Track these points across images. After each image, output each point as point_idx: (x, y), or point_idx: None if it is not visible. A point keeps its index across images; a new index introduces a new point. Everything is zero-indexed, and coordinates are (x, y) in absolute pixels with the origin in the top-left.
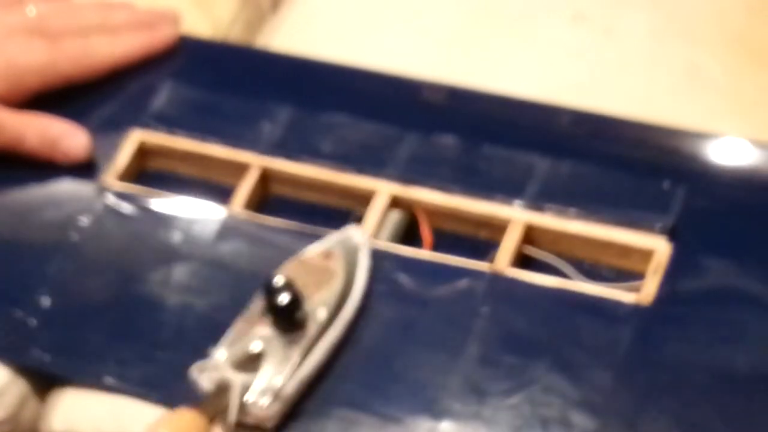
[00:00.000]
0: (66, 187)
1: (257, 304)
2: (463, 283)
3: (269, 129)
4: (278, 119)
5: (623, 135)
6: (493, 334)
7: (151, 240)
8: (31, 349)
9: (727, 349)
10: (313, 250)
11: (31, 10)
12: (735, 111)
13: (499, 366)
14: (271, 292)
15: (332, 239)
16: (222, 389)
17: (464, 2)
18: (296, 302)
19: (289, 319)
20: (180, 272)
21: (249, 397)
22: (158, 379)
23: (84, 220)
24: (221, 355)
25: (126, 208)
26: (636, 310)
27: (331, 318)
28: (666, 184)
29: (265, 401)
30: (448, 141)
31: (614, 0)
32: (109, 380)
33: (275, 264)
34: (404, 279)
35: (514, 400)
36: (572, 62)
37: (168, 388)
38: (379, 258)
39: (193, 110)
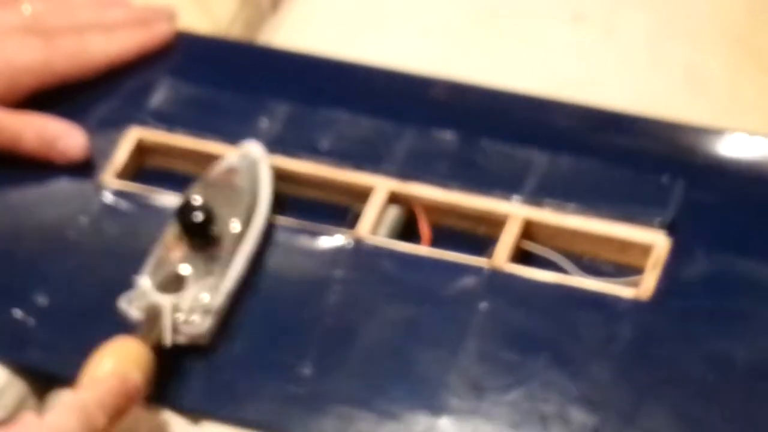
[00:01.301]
0: (64, 186)
1: (171, 228)
2: (461, 279)
3: (267, 125)
4: (276, 115)
5: (622, 129)
6: (492, 329)
7: (150, 238)
8: (29, 348)
9: (726, 344)
10: (215, 169)
11: (27, 9)
12: (734, 112)
13: (498, 362)
14: (184, 213)
15: (232, 156)
16: (153, 314)
17: (464, 2)
18: (209, 219)
19: (204, 237)
20: None
21: (179, 317)
22: (156, 376)
23: (82, 219)
24: (146, 281)
25: (124, 205)
26: (635, 304)
27: (243, 231)
28: (665, 179)
29: (196, 318)
30: (446, 136)
31: (614, 0)
32: None
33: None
34: (402, 275)
35: (513, 395)
36: (572, 62)
37: (165, 384)
38: (377, 254)
39: (191, 107)
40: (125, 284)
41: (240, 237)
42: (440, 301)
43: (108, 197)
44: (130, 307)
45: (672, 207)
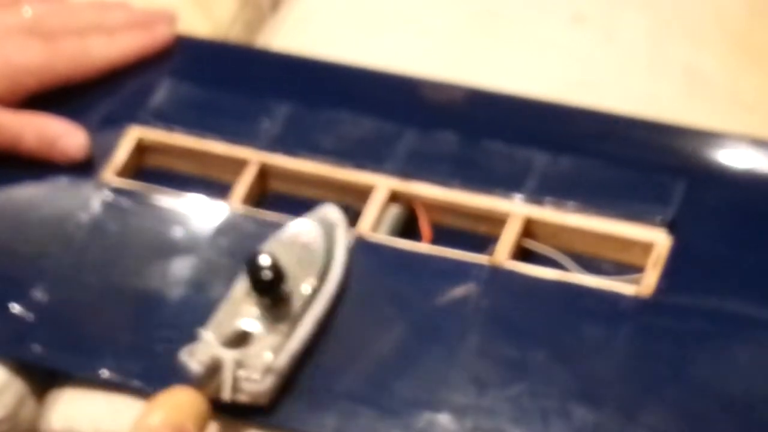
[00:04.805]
0: (64, 184)
1: (241, 283)
2: (462, 277)
3: (267, 125)
4: (276, 115)
5: (623, 130)
6: (493, 326)
7: (149, 236)
8: (29, 344)
9: (726, 342)
10: (292, 228)
11: (27, 11)
12: (734, 111)
13: (499, 358)
14: (255, 270)
15: (309, 217)
16: (214, 367)
17: (464, 3)
18: (280, 278)
19: (273, 295)
20: (178, 267)
21: (241, 374)
22: (156, 373)
23: (82, 216)
24: (210, 335)
25: (124, 204)
26: (636, 302)
27: (314, 293)
28: (665, 177)
29: (257, 376)
30: (447, 135)
31: (614, 0)
32: (106, 374)
33: None
34: (403, 273)
35: (514, 391)
36: (572, 63)
37: (166, 382)
38: (378, 252)
39: (192, 107)
40: (124, 280)
41: (311, 299)
42: (441, 298)
43: (108, 195)
44: (191, 359)
45: (673, 205)
